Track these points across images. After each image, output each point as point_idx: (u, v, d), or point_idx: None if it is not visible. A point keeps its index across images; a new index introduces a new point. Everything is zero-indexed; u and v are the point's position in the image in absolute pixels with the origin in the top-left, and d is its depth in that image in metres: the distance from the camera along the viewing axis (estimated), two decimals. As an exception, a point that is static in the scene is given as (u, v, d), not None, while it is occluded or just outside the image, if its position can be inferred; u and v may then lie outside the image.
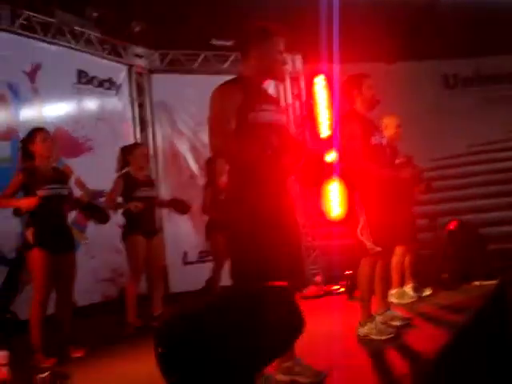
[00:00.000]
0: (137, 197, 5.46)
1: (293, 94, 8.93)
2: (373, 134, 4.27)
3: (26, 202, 4.50)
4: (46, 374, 3.79)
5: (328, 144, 5.14)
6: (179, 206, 5.91)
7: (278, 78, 3.37)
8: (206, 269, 7.24)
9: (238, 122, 3.09)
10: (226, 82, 3.23)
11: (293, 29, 8.18)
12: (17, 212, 4.71)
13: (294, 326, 2.31)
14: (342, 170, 4.20)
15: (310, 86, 8.71)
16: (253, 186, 3.10)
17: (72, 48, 7.38)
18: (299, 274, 3.55)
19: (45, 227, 4.52)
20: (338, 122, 4.63)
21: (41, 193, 4.54)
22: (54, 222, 4.55)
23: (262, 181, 3.09)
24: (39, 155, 4.68)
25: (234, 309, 2.18)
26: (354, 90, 4.41)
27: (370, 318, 4.23)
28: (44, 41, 7.02)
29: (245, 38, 3.33)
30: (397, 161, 5.47)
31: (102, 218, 5.03)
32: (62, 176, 4.87)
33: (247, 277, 3.05)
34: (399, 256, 5.62)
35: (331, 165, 3.34)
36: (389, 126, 5.61)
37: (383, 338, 4.08)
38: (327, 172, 3.23)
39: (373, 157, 4.20)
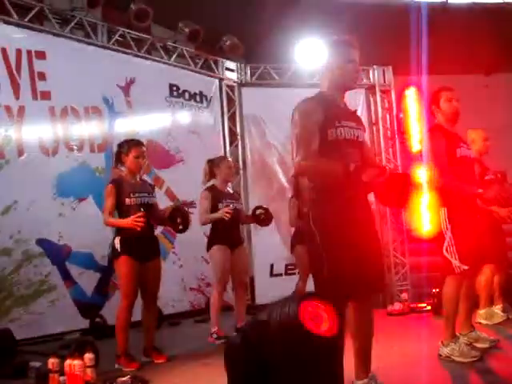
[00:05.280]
0: (221, 209, 5.52)
1: (383, 107, 8.76)
2: (458, 146, 4.14)
3: (134, 224, 4.57)
4: (127, 377, 3.90)
5: (418, 159, 5.03)
6: (261, 220, 5.90)
7: (351, 87, 3.33)
8: (292, 281, 7.24)
9: (320, 138, 3.09)
10: (307, 99, 3.24)
11: (384, 39, 8.16)
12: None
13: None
14: (430, 186, 4.12)
15: (400, 98, 8.54)
16: (333, 202, 3.08)
17: (164, 62, 7.65)
18: (380, 288, 3.46)
19: (132, 235, 4.64)
20: (425, 136, 4.53)
21: (128, 201, 4.70)
22: (140, 231, 4.64)
23: (343, 197, 3.06)
24: (128, 168, 4.84)
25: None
26: (433, 106, 4.36)
27: (453, 338, 4.08)
28: (138, 56, 7.32)
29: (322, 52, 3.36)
30: (486, 177, 5.28)
31: (184, 224, 5.05)
32: (148, 186, 5.01)
33: (328, 292, 3.01)
34: (488, 275, 5.42)
35: (416, 185, 3.25)
36: (475, 139, 5.42)
37: (466, 360, 3.92)
38: (411, 192, 3.10)
39: (459, 170, 4.07)
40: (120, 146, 4.94)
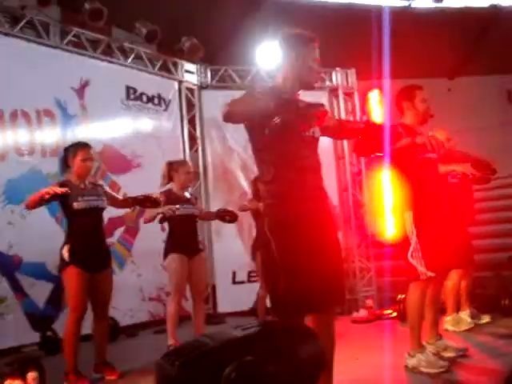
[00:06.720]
0: (177, 214, 5.29)
1: (346, 109, 8.66)
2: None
3: (46, 190, 4.19)
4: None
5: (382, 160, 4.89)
6: (226, 216, 5.70)
7: (310, 86, 3.11)
8: (254, 289, 7.07)
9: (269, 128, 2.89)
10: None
11: (347, 43, 8.06)
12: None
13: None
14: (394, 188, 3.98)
15: (364, 101, 8.45)
16: (290, 206, 2.90)
17: (121, 64, 7.40)
18: (340, 302, 3.20)
19: (81, 244, 4.40)
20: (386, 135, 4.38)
21: (76, 205, 4.43)
22: (90, 239, 4.43)
23: (300, 201, 2.89)
24: (76, 172, 4.58)
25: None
26: (406, 102, 4.18)
27: (419, 348, 3.93)
28: (93, 57, 7.05)
29: (280, 45, 3.12)
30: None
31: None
32: (97, 189, 4.74)
33: (284, 306, 2.82)
34: (455, 280, 5.30)
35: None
36: (437, 140, 5.31)
37: (433, 371, 3.77)
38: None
39: (421, 171, 3.94)
40: (66, 149, 4.70)
